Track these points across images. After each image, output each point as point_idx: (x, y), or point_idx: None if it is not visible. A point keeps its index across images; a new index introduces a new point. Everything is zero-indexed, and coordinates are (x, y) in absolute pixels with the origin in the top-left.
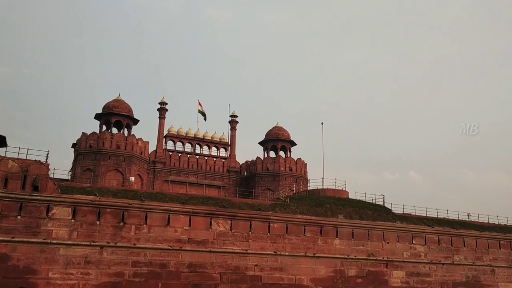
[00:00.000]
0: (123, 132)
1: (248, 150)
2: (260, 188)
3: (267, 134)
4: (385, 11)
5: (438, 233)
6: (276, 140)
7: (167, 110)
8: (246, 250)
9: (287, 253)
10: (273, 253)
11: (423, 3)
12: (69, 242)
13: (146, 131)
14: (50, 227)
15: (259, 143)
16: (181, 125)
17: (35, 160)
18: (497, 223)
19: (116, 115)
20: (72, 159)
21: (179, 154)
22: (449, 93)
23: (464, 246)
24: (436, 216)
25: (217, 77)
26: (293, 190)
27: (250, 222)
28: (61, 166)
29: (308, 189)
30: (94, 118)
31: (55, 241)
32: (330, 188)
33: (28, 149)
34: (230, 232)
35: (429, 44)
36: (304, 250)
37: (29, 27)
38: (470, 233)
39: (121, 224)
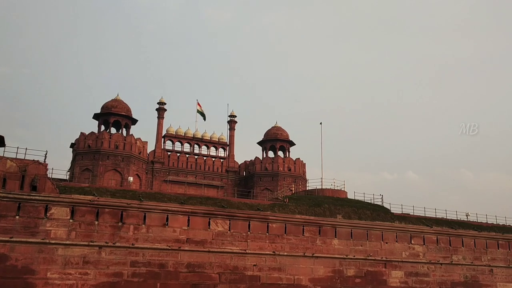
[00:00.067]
0: (122, 132)
1: (247, 150)
2: (258, 188)
3: (266, 134)
4: (385, 11)
5: (437, 233)
6: (275, 140)
7: (165, 110)
8: (245, 250)
9: (285, 253)
10: (271, 253)
11: (423, 3)
12: (67, 242)
13: (144, 131)
14: (48, 227)
15: (257, 143)
16: (180, 125)
17: (34, 160)
18: (495, 223)
19: (114, 115)
20: (71, 159)
21: (178, 154)
22: (449, 93)
23: (463, 246)
24: (434, 216)
25: (216, 77)
26: (291, 190)
27: (249, 222)
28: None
29: (307, 189)
30: (93, 118)
31: (53, 241)
32: (329, 188)
33: (26, 149)
34: (228, 232)
35: (429, 44)
36: (303, 250)
37: (28, 27)
38: (469, 233)
39: (120, 224)
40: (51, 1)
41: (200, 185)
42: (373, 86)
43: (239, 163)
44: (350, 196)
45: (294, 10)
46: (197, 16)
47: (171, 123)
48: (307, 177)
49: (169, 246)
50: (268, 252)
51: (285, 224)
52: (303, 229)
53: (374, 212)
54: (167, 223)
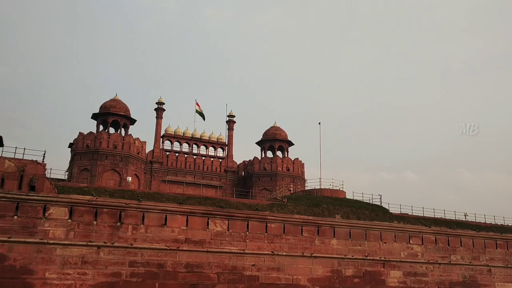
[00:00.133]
0: (120, 132)
1: (246, 150)
2: (257, 188)
3: (265, 134)
4: (384, 10)
5: (435, 233)
6: (274, 140)
7: (164, 110)
8: (244, 250)
9: (284, 253)
10: (270, 253)
11: (423, 3)
12: (66, 242)
13: (143, 131)
14: (47, 227)
15: (256, 143)
16: (179, 125)
17: (32, 160)
18: (493, 223)
19: (113, 115)
20: (69, 159)
21: (176, 154)
22: (448, 93)
23: (461, 246)
24: (433, 216)
25: (214, 77)
26: (290, 190)
27: (248, 222)
28: (58, 166)
29: (306, 189)
30: (91, 118)
31: (52, 241)
32: (328, 188)
33: (24, 149)
34: (227, 232)
35: (428, 45)
36: (302, 250)
37: (27, 27)
38: (467, 233)
39: (118, 224)
40: (49, 0)
41: (199, 185)
42: (372, 86)
43: (238, 163)
44: (348, 196)
45: (293, 10)
46: (195, 16)
47: (169, 123)
48: (305, 177)
49: (168, 246)
50: (266, 252)
51: (284, 224)
52: (302, 229)
53: (373, 212)
54: (166, 223)
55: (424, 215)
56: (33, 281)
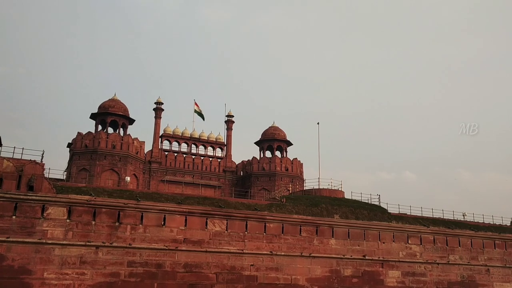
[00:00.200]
0: (119, 132)
1: (244, 150)
2: (256, 188)
3: (263, 134)
4: (383, 10)
5: (434, 233)
6: (272, 140)
7: (163, 110)
8: (242, 250)
9: (283, 253)
10: (269, 253)
11: (423, 3)
12: (64, 242)
13: (142, 131)
14: (45, 227)
15: (255, 143)
16: (177, 125)
17: (30, 159)
18: (492, 223)
19: (111, 115)
20: (68, 159)
21: (175, 154)
22: (448, 93)
23: (459, 246)
24: (431, 216)
25: (213, 77)
26: (289, 190)
27: (246, 222)
28: (56, 166)
29: (304, 189)
30: (90, 117)
31: (50, 241)
32: (326, 188)
33: (23, 148)
34: (226, 232)
35: (428, 45)
36: (300, 250)
37: (25, 27)
38: (465, 233)
39: (117, 224)
40: (49, 0)
41: (198, 185)
42: (372, 86)
43: (237, 163)
44: (347, 196)
45: (293, 10)
46: (195, 16)
47: (168, 123)
48: (304, 177)
49: (166, 246)
50: (265, 252)
51: (283, 224)
52: (300, 229)
53: (371, 212)
54: (164, 223)
55: (423, 215)
56: (32, 281)
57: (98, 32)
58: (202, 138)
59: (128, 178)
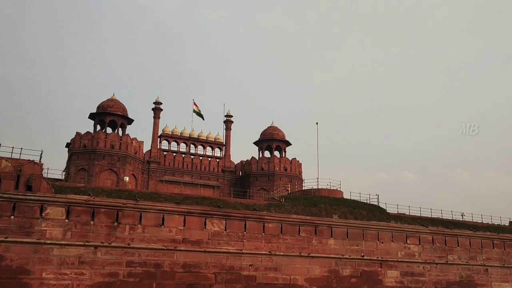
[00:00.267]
0: (118, 132)
1: (243, 150)
2: (255, 188)
3: (262, 134)
4: (384, 10)
5: (432, 233)
6: (271, 140)
7: (161, 109)
8: (241, 250)
9: (281, 253)
10: (267, 253)
11: (423, 3)
12: (63, 242)
13: (140, 131)
14: (43, 227)
15: (254, 143)
16: (176, 124)
17: (29, 159)
18: (490, 223)
19: (110, 115)
20: (66, 158)
21: (174, 154)
22: (448, 93)
23: (458, 246)
24: (430, 216)
25: (212, 77)
26: (288, 190)
27: (245, 222)
28: (55, 166)
29: (303, 189)
30: (88, 117)
31: (48, 241)
32: (325, 188)
33: (21, 148)
34: (224, 232)
35: (427, 45)
36: (299, 250)
37: (24, 26)
38: (464, 233)
39: (115, 224)
40: (49, 0)
41: (196, 185)
42: (372, 86)
43: (235, 163)
44: (346, 196)
45: (293, 11)
46: (193, 16)
47: (167, 123)
48: (303, 177)
49: (165, 246)
50: (264, 252)
51: (281, 224)
52: (299, 229)
53: (370, 212)
54: (163, 223)
55: (421, 215)
56: (30, 281)
57: (97, 32)
58: (201, 138)
59: (126, 178)
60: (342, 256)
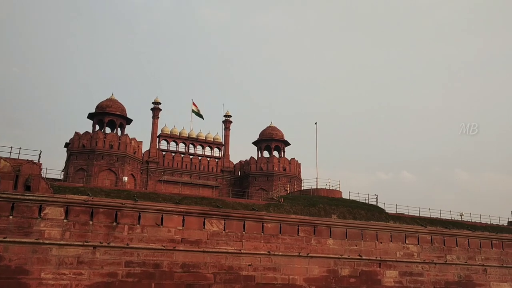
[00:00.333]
0: (116, 132)
1: (242, 150)
2: (253, 188)
3: (261, 134)
4: (384, 10)
5: (431, 232)
6: (270, 140)
7: (160, 109)
8: (240, 250)
9: (280, 253)
10: (266, 253)
11: (423, 3)
12: (61, 242)
13: (139, 131)
14: (42, 227)
15: (253, 143)
16: (175, 124)
17: (28, 159)
18: (489, 223)
19: (109, 115)
20: (65, 158)
21: (173, 154)
22: (448, 94)
23: (457, 246)
24: (429, 216)
25: (211, 77)
26: (286, 190)
27: (244, 222)
28: (53, 165)
29: (302, 189)
30: (87, 117)
31: (47, 241)
32: (324, 188)
33: (20, 148)
34: (223, 232)
35: (427, 45)
36: (298, 250)
37: (23, 26)
38: (463, 232)
39: (114, 224)
40: (49, 0)
41: (195, 185)
42: (372, 86)
43: (234, 163)
44: (345, 196)
45: (293, 11)
46: (192, 16)
47: (166, 123)
48: (302, 177)
49: (164, 246)
50: (263, 252)
51: (280, 224)
52: (298, 229)
53: (369, 212)
54: (162, 223)
55: (420, 215)
56: (29, 281)
57: (97, 32)
58: (200, 138)
59: (125, 178)
60: (341, 256)
